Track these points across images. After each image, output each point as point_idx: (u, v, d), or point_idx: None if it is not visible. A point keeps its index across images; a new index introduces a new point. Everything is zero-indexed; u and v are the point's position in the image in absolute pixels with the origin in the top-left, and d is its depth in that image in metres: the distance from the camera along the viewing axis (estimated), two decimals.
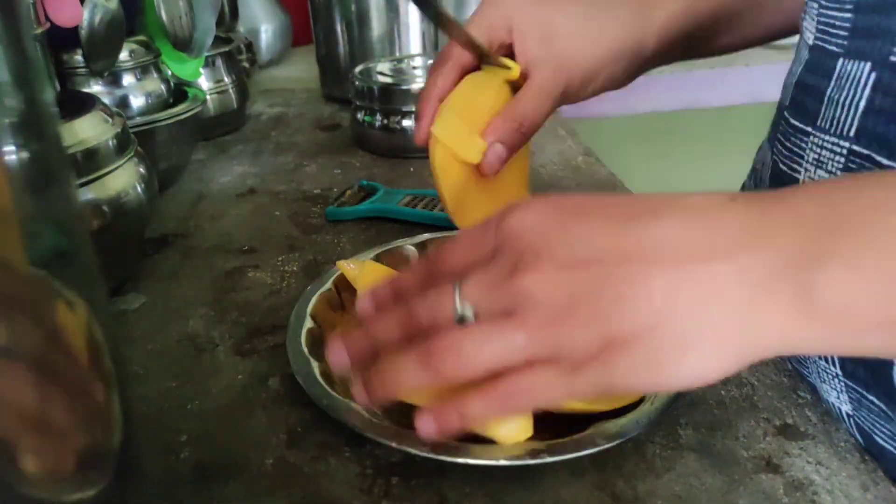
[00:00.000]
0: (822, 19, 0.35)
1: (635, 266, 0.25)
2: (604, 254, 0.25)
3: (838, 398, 0.37)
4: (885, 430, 0.35)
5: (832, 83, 0.35)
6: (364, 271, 0.43)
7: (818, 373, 0.38)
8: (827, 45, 0.35)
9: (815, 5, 0.36)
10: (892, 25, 0.31)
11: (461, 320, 0.28)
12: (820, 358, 0.38)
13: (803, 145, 0.37)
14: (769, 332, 0.24)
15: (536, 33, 0.43)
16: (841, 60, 0.34)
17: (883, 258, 0.22)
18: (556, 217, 0.27)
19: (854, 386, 0.36)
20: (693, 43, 0.48)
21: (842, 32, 0.34)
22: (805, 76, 0.37)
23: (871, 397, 0.35)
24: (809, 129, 0.36)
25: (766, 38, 0.50)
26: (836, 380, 0.37)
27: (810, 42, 0.37)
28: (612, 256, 0.25)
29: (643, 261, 0.25)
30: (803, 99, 0.37)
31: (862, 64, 0.33)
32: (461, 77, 0.44)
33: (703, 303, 0.24)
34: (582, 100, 0.45)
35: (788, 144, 0.38)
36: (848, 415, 0.37)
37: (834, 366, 0.37)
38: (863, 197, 0.24)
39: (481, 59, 0.44)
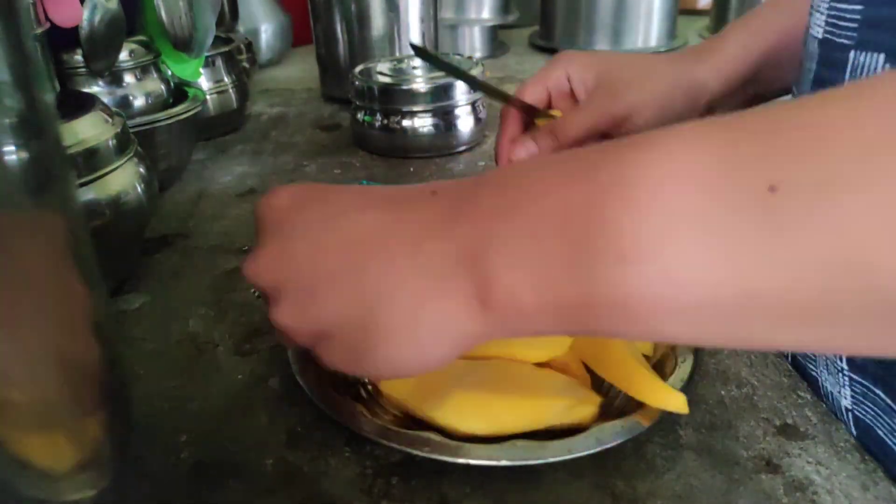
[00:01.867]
0: (832, 13, 0.36)
1: (330, 258, 0.26)
2: (309, 245, 0.27)
3: (840, 392, 0.37)
4: (886, 424, 0.35)
5: (847, 75, 0.35)
6: None
7: (825, 365, 0.38)
8: (836, 38, 0.35)
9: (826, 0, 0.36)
10: None
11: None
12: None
13: None
14: (455, 324, 0.24)
15: (592, 73, 0.49)
16: (853, 52, 0.34)
17: (532, 242, 0.22)
18: (289, 204, 0.29)
19: (860, 380, 0.36)
20: (763, 80, 0.49)
21: (851, 24, 0.34)
22: (820, 71, 0.38)
23: (877, 391, 0.35)
24: None
25: None
26: (841, 374, 0.37)
27: (819, 36, 0.37)
28: (315, 248, 0.27)
29: (338, 252, 0.26)
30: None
31: (875, 55, 0.33)
32: (521, 125, 0.50)
33: (387, 295, 0.25)
34: (636, 128, 0.47)
35: None
36: (846, 409, 0.37)
37: (840, 360, 0.37)
38: (530, 179, 0.23)
39: (532, 114, 0.50)
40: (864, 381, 0.36)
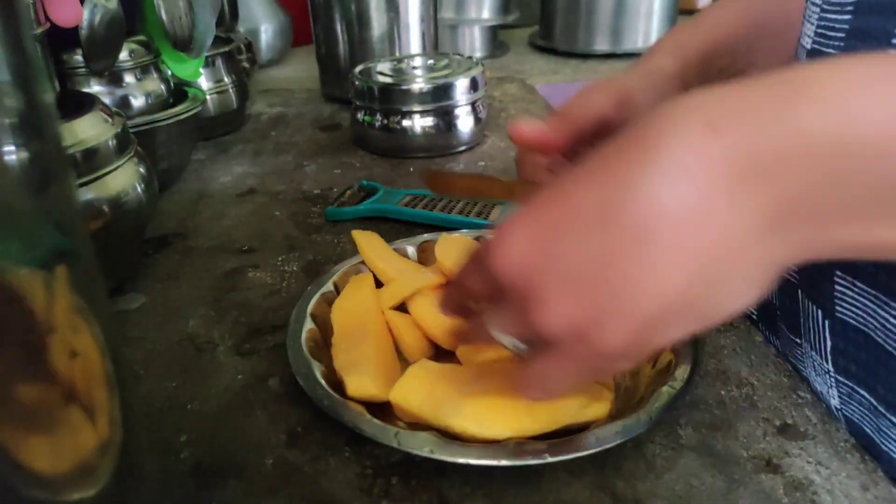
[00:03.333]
0: (822, 23, 0.35)
1: (633, 253, 0.24)
2: (598, 262, 0.25)
3: (828, 393, 0.38)
4: (873, 423, 0.35)
5: None
6: (370, 242, 0.48)
7: (812, 367, 0.39)
8: (824, 49, 0.35)
9: (816, 10, 0.36)
10: (887, 26, 0.31)
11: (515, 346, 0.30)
12: (812, 349, 0.38)
13: None
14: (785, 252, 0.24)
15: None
16: None
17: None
18: (538, 245, 0.26)
19: (845, 381, 0.37)
20: (719, 70, 0.47)
21: (839, 35, 0.34)
22: None
23: (862, 392, 0.36)
24: None
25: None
26: (827, 375, 0.38)
27: (808, 46, 0.37)
28: (607, 258, 0.25)
29: (639, 243, 0.24)
30: None
31: None
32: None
33: (714, 261, 0.24)
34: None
35: None
36: (836, 408, 0.38)
37: (826, 362, 0.37)
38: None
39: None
40: (848, 382, 0.36)
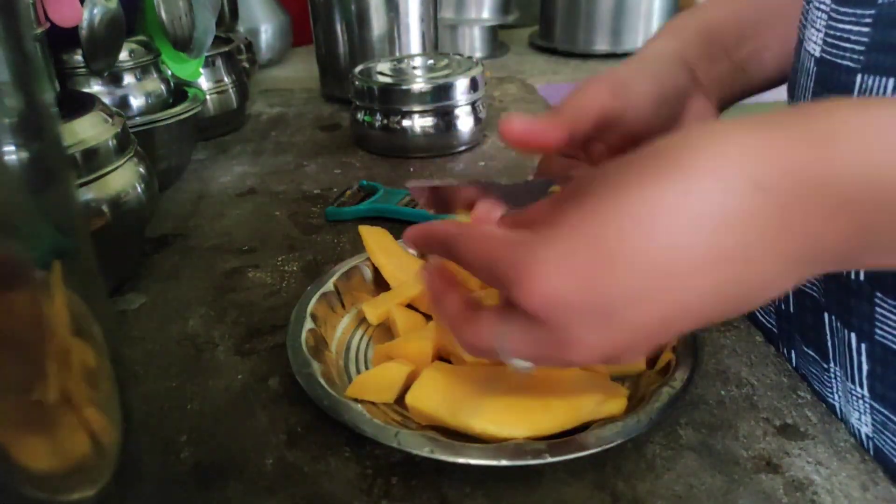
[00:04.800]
0: (832, 32, 0.34)
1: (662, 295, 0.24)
2: (631, 302, 0.24)
3: (859, 419, 0.37)
4: None
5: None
6: (377, 239, 0.48)
7: (844, 394, 0.38)
8: (839, 60, 0.34)
9: (822, 15, 0.35)
10: None
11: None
12: (847, 379, 0.37)
13: None
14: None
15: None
16: (860, 76, 0.33)
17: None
18: (575, 283, 0.24)
19: (881, 409, 0.35)
20: (726, 50, 0.45)
21: (857, 47, 0.33)
22: (819, 90, 0.36)
23: None
24: None
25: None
26: (861, 401, 0.36)
27: (817, 54, 0.36)
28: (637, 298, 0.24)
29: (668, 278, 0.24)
30: None
31: (884, 79, 0.32)
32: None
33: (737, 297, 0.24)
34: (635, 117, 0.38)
35: None
36: (867, 436, 0.37)
37: (861, 387, 0.36)
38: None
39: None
40: (884, 410, 0.35)
